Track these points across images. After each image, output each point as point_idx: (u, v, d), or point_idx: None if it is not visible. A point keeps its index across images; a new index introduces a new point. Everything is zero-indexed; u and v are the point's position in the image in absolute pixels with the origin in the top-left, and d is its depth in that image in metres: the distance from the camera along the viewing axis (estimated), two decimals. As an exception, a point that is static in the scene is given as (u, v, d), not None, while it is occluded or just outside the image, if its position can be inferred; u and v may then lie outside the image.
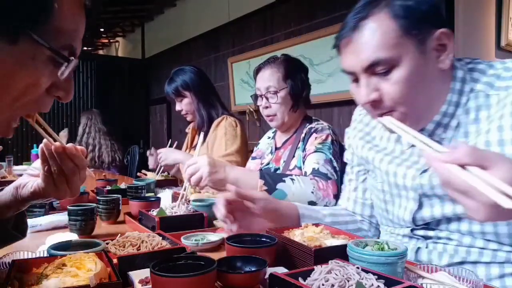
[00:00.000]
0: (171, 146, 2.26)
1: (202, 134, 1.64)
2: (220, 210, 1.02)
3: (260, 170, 1.39)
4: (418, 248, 0.98)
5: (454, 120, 0.91)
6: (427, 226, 0.97)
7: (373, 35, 0.85)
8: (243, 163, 2.11)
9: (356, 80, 0.92)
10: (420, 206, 0.96)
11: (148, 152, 2.54)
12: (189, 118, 2.38)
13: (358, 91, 0.92)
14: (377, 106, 0.89)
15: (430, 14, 0.86)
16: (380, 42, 0.84)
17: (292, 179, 1.40)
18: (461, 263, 0.92)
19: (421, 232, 0.98)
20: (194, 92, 2.27)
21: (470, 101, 0.90)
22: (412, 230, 1.00)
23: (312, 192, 1.39)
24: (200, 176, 1.34)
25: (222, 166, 1.38)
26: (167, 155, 2.15)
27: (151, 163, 2.50)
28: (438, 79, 0.89)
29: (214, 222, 1.32)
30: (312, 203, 1.38)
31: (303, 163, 1.57)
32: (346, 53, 0.91)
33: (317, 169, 1.48)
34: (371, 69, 0.86)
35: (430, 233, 0.97)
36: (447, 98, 0.91)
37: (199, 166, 1.35)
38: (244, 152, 2.21)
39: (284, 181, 1.38)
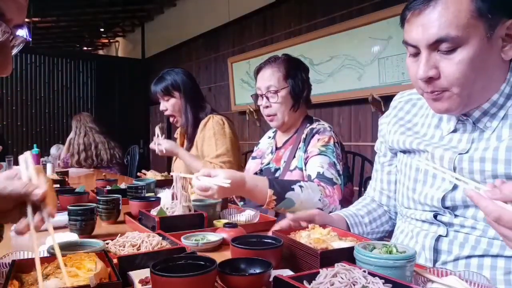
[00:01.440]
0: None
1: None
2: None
3: (269, 179, 1.38)
4: (439, 236, 0.96)
5: (502, 110, 0.91)
6: (453, 211, 0.95)
7: (447, 11, 0.84)
8: (235, 161, 2.11)
9: (415, 54, 0.91)
10: (455, 187, 0.94)
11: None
12: (172, 119, 2.37)
13: (414, 66, 0.91)
14: (432, 83, 0.89)
15: (506, 2, 0.86)
16: (452, 19, 0.84)
17: (301, 186, 1.38)
18: (482, 256, 0.90)
19: (446, 218, 0.96)
20: (184, 93, 2.28)
21: None
22: (435, 216, 0.98)
23: (319, 200, 1.39)
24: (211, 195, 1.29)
25: (236, 187, 1.28)
26: (168, 151, 2.16)
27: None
28: (498, 68, 0.89)
29: (214, 222, 1.32)
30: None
31: (305, 164, 1.57)
32: (414, 24, 0.89)
33: (322, 173, 1.48)
34: (436, 45, 0.86)
35: (455, 220, 0.94)
36: (501, 88, 0.91)
37: (212, 194, 1.27)
38: (235, 150, 2.19)
39: (293, 189, 1.37)
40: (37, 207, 0.70)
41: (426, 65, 0.88)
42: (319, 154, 1.53)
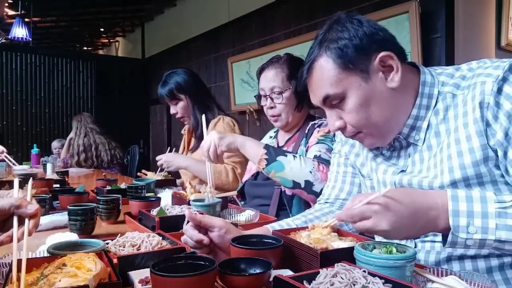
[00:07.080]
0: (170, 151, 2.24)
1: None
2: (192, 235, 0.91)
3: (266, 144, 1.48)
4: None
5: (424, 122, 0.97)
6: None
7: (320, 76, 0.96)
8: (246, 161, 2.12)
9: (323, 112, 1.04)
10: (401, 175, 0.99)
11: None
12: (184, 121, 2.37)
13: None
14: (345, 130, 1.00)
15: (363, 46, 0.93)
16: (325, 81, 0.95)
17: (294, 156, 1.43)
18: (448, 258, 0.93)
19: None
20: (189, 95, 2.26)
21: (438, 103, 0.95)
22: None
23: (311, 172, 1.39)
24: (214, 145, 1.47)
25: (229, 134, 1.46)
26: (169, 162, 2.13)
27: None
28: (394, 95, 0.95)
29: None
30: (308, 182, 1.39)
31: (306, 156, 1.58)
32: (310, 91, 1.03)
33: (319, 155, 1.49)
34: (327, 102, 0.97)
35: None
36: (416, 102, 0.96)
37: (210, 139, 1.48)
38: None
39: (286, 155, 1.42)
40: (22, 222, 0.79)
41: (331, 118, 1.00)
42: (317, 143, 1.56)
